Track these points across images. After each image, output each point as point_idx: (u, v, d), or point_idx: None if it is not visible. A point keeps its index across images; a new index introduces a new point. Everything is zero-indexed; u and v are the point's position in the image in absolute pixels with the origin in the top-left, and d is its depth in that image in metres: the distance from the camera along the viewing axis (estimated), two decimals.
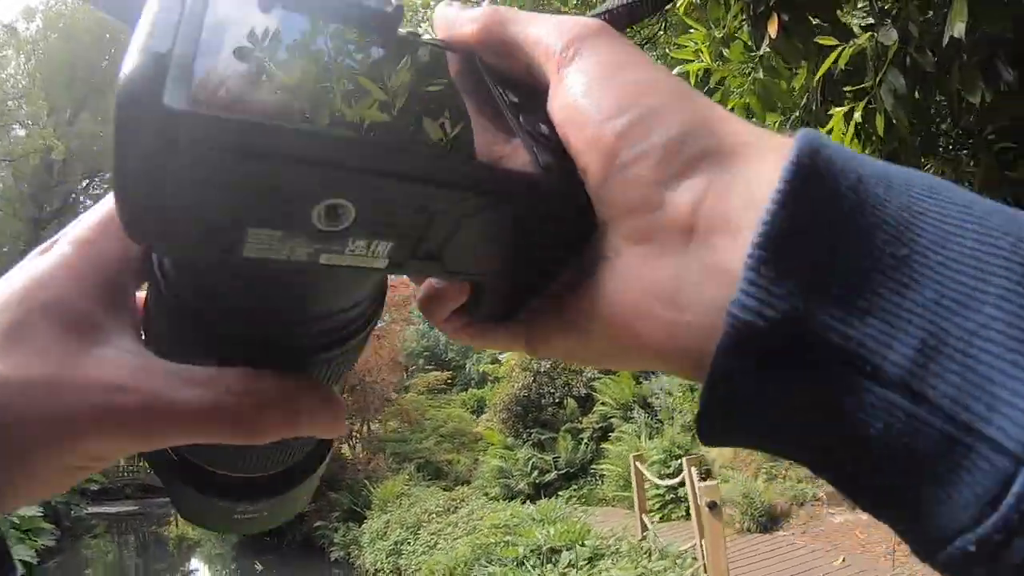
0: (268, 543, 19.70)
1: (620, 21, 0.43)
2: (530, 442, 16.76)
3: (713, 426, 0.26)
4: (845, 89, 2.71)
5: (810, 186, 0.23)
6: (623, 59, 0.29)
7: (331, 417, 0.32)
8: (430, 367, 33.99)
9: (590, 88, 0.28)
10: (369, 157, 0.23)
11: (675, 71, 2.22)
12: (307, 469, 0.43)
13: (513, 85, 0.31)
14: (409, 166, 0.24)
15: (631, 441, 13.48)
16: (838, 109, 2.68)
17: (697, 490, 6.79)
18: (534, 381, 17.57)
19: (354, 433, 23.66)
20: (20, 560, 15.12)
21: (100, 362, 0.28)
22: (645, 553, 8.55)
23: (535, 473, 15.75)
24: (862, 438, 0.22)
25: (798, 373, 0.22)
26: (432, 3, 7.33)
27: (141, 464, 37.78)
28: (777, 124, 3.27)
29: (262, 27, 0.25)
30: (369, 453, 21.78)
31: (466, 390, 26.26)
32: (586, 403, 17.03)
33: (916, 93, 2.67)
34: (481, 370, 24.99)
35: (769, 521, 9.37)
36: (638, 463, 9.98)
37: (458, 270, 0.29)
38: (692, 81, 3.17)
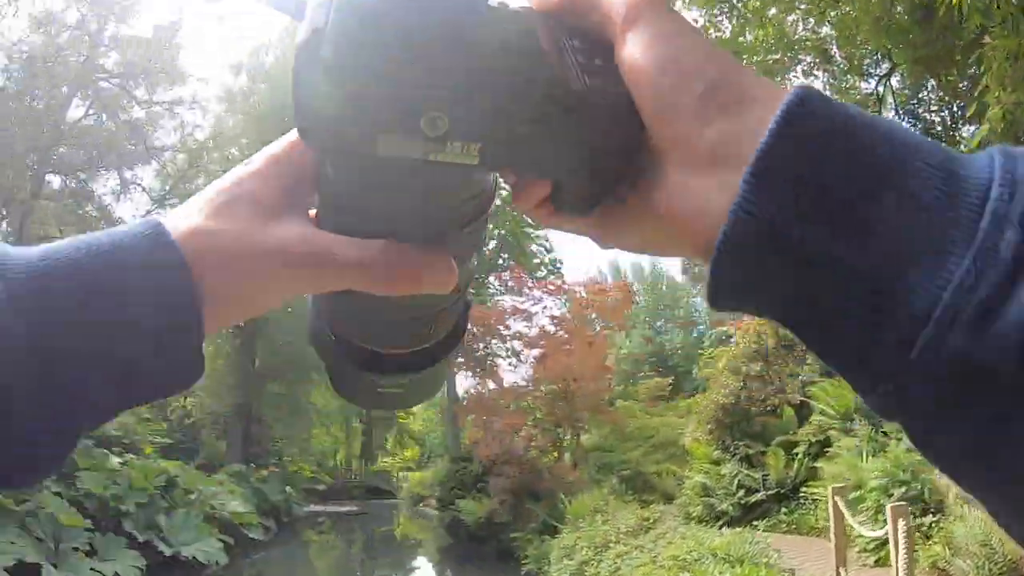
0: (470, 550, 19.48)
1: None
2: (737, 456, 14.80)
3: (715, 292, 0.37)
4: None
5: (792, 127, 0.33)
6: (671, 27, 0.39)
7: (445, 275, 0.44)
8: (653, 373, 32.55)
9: (647, 47, 0.39)
10: (451, 80, 0.36)
11: None
12: (438, 355, 0.54)
13: (581, 35, 0.41)
14: (483, 88, 0.37)
15: (849, 459, 11.15)
16: None
17: (903, 550, 4.81)
18: (743, 387, 15.52)
19: (561, 443, 22.84)
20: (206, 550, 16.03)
21: (285, 229, 0.43)
22: None
23: (741, 492, 13.78)
24: (815, 299, 0.34)
25: (774, 257, 0.34)
26: None
27: (368, 468, 40.01)
28: None
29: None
30: (571, 464, 20.80)
31: (692, 396, 24.05)
32: (802, 411, 14.72)
33: None
34: (703, 375, 22.84)
35: None
36: (838, 498, 7.79)
37: (534, 170, 0.41)
38: None
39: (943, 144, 0.35)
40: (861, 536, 8.42)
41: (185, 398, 29.35)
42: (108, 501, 15.26)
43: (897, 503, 6.57)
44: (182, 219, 0.42)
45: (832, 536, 7.83)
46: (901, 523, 5.59)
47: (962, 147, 9.70)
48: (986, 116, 7.60)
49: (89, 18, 22.13)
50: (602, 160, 0.41)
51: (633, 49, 0.39)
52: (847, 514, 7.45)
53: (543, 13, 0.43)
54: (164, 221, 0.42)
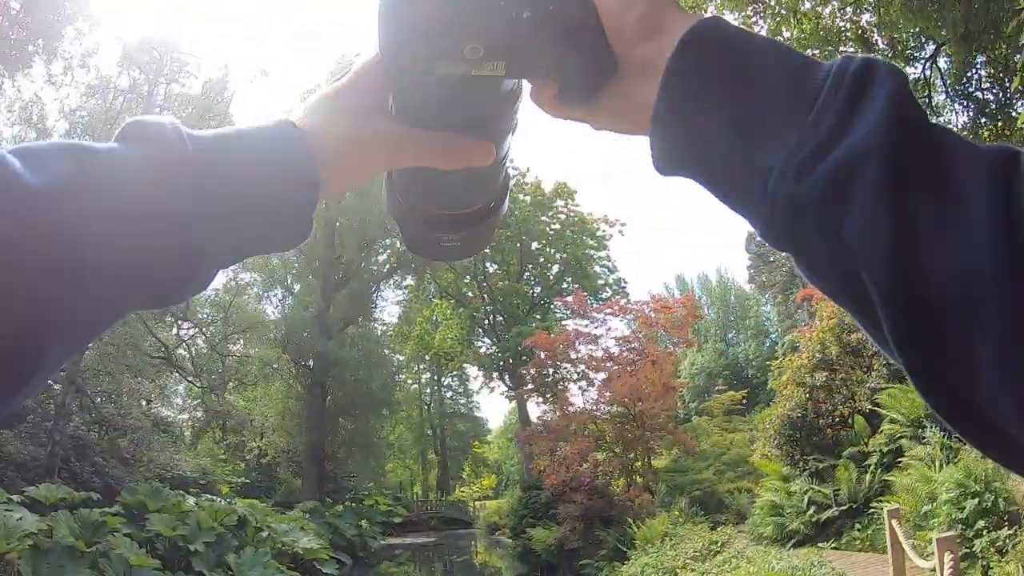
0: None
1: None
2: (807, 471, 13.99)
3: (655, 160, 0.53)
4: None
5: (686, 50, 0.49)
6: None
7: (487, 153, 0.62)
8: (727, 387, 31.54)
9: None
10: (482, 23, 0.53)
11: None
12: (486, 215, 0.69)
13: None
14: (503, 27, 0.54)
15: (921, 470, 10.36)
16: None
17: None
18: (809, 398, 14.70)
19: (631, 466, 22.19)
20: None
21: (378, 123, 0.61)
22: None
23: (812, 509, 13.00)
24: (708, 159, 0.49)
25: (679, 131, 0.50)
26: None
27: (445, 498, 39.92)
28: None
29: None
30: (641, 488, 20.17)
31: (768, 407, 23.15)
32: (873, 420, 13.81)
33: None
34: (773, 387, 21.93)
35: None
36: (894, 522, 7.15)
37: (545, 76, 0.59)
38: None
39: (805, 54, 0.48)
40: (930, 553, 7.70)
41: (261, 437, 29.97)
42: (177, 541, 15.52)
43: (946, 534, 5.92)
44: (301, 117, 0.59)
45: (889, 556, 7.18)
46: (948, 556, 5.03)
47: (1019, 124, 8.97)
48: None
49: (141, 81, 23.03)
50: (588, 69, 0.57)
51: None
52: (902, 539, 6.80)
53: None
54: (293, 117, 0.59)
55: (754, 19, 11.71)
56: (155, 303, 0.53)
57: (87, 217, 0.45)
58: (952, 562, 5.01)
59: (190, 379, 26.06)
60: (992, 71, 11.06)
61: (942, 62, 11.68)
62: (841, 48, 12.18)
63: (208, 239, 0.51)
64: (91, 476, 17.77)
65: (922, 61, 11.86)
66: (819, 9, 11.77)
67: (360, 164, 0.61)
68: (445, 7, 0.53)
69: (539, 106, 0.62)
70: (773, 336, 39.23)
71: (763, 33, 11.62)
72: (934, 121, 0.44)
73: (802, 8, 11.46)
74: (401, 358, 41.16)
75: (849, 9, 11.74)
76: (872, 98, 0.43)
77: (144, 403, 24.08)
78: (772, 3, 11.48)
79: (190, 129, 0.53)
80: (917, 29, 10.85)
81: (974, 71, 11.39)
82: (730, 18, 11.69)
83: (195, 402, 29.07)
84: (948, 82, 11.70)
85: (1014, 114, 9.66)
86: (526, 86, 0.62)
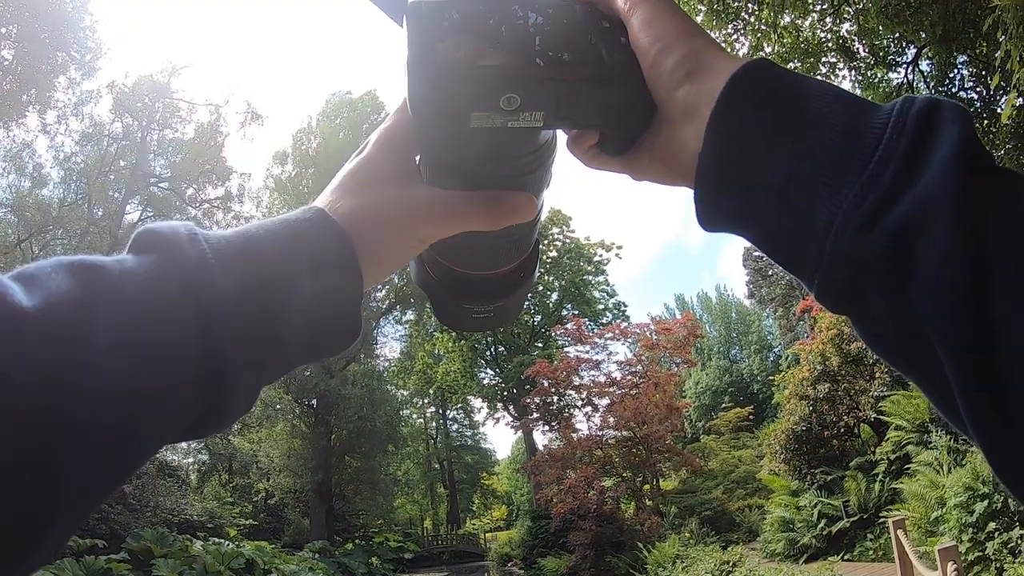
0: None
1: None
2: (815, 484, 13.84)
3: (700, 218, 0.49)
4: None
5: (734, 93, 0.46)
6: (657, 12, 0.54)
7: (529, 207, 0.58)
8: (733, 404, 31.40)
9: (640, 30, 0.53)
10: (519, 72, 0.51)
11: None
12: (517, 283, 0.67)
13: (606, 16, 0.57)
14: (541, 75, 0.51)
15: (929, 476, 10.25)
16: None
17: None
18: (813, 411, 14.60)
19: (639, 490, 21.98)
20: None
21: (414, 192, 0.56)
22: None
23: (822, 523, 12.84)
24: (759, 216, 0.45)
25: (727, 187, 0.46)
26: None
27: (456, 532, 39.52)
28: None
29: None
30: (650, 511, 19.96)
31: (775, 421, 23.02)
32: (879, 428, 13.67)
33: None
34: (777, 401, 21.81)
35: None
36: (900, 532, 7.05)
37: (584, 124, 0.57)
38: None
39: (862, 97, 0.45)
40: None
41: (267, 478, 29.72)
42: None
43: (947, 545, 5.83)
44: (331, 201, 0.54)
45: (897, 566, 7.05)
46: (951, 567, 4.93)
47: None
48: (1013, 82, 7.00)
49: (134, 127, 23.25)
50: (628, 116, 0.54)
51: (633, 32, 0.54)
52: (908, 550, 6.71)
53: (582, 1, 0.59)
54: (319, 204, 0.54)
55: (735, 36, 11.81)
56: (191, 434, 0.46)
57: (95, 342, 0.38)
58: (955, 572, 4.92)
59: None
60: (974, 70, 11.13)
61: (924, 65, 11.77)
62: (823, 59, 12.31)
63: (239, 355, 0.44)
64: (96, 523, 17.58)
65: (904, 66, 11.95)
66: (799, 22, 11.88)
67: (404, 243, 0.56)
68: (479, 56, 0.51)
69: (576, 156, 0.60)
70: (776, 349, 39.12)
71: (744, 50, 11.74)
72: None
73: (782, 22, 11.56)
74: (405, 393, 41.00)
75: (829, 20, 11.85)
76: (938, 144, 0.39)
77: None
78: (752, 19, 11.60)
79: (205, 231, 0.47)
80: (896, 34, 10.93)
81: (956, 71, 11.47)
82: (713, 36, 11.82)
83: (199, 445, 28.89)
84: (931, 84, 11.76)
85: (998, 110, 9.69)
86: (561, 136, 0.60)
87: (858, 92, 10.39)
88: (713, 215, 0.48)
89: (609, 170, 0.60)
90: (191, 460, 30.34)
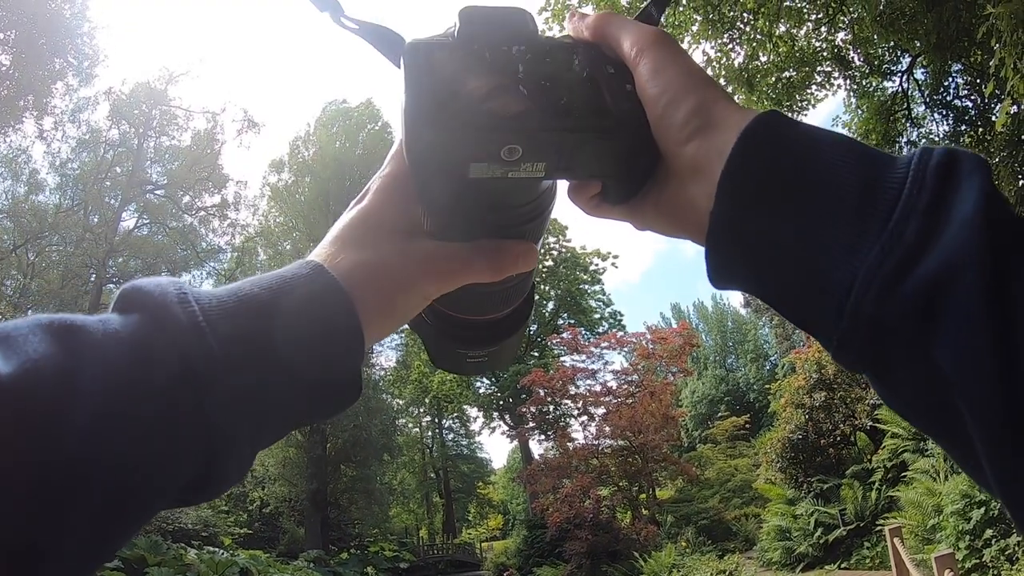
0: None
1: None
2: (812, 493, 13.81)
3: (711, 274, 0.48)
4: None
5: (745, 151, 0.44)
6: (665, 61, 0.52)
7: (531, 256, 0.58)
8: (729, 413, 31.37)
9: (647, 80, 0.51)
10: (520, 123, 0.48)
11: None
12: (512, 328, 0.66)
13: (611, 61, 0.55)
14: (544, 125, 0.49)
15: (926, 483, 10.25)
16: None
17: None
18: (809, 419, 14.59)
19: (636, 499, 21.94)
20: None
21: (417, 245, 0.54)
22: None
23: (819, 531, 12.81)
24: (773, 275, 0.44)
25: (740, 246, 0.44)
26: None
27: (452, 541, 39.35)
28: None
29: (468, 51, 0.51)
30: (647, 520, 19.91)
31: (771, 430, 23.02)
32: (875, 436, 13.67)
33: None
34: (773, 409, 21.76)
35: None
36: (896, 540, 7.05)
37: (586, 175, 0.55)
38: None
39: (877, 149, 0.43)
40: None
41: (263, 488, 29.60)
42: None
43: (944, 552, 5.84)
44: (331, 255, 0.52)
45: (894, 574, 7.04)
46: (947, 575, 4.91)
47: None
48: (1007, 90, 7.03)
49: (130, 134, 23.25)
50: (633, 166, 0.53)
51: (640, 81, 0.52)
52: (905, 558, 6.70)
53: (584, 43, 0.57)
54: (317, 259, 0.51)
55: (731, 46, 11.86)
56: (183, 501, 0.44)
57: (78, 412, 0.36)
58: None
59: None
60: (969, 78, 11.19)
61: (919, 73, 11.82)
62: (819, 68, 12.37)
63: (231, 423, 0.42)
64: None
65: (899, 74, 12.01)
66: (794, 31, 11.93)
67: (408, 301, 0.54)
68: (479, 104, 0.49)
69: (577, 205, 0.58)
70: (772, 358, 39.13)
71: (740, 60, 11.78)
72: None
73: (777, 32, 11.61)
74: (400, 402, 40.94)
75: (824, 29, 11.91)
76: (959, 198, 0.38)
77: None
78: (748, 29, 11.65)
79: (195, 289, 0.45)
80: (891, 43, 10.99)
81: (951, 80, 11.53)
82: (706, 46, 11.89)
83: None
84: (926, 93, 11.82)
85: (993, 118, 9.74)
86: (562, 182, 0.58)
87: (853, 101, 10.38)
88: (725, 275, 0.47)
89: (611, 218, 0.59)
90: None
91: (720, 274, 0.47)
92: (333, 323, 0.47)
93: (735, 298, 46.23)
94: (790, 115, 0.46)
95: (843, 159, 0.42)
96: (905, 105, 11.91)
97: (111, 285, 22.68)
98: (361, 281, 0.50)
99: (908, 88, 11.89)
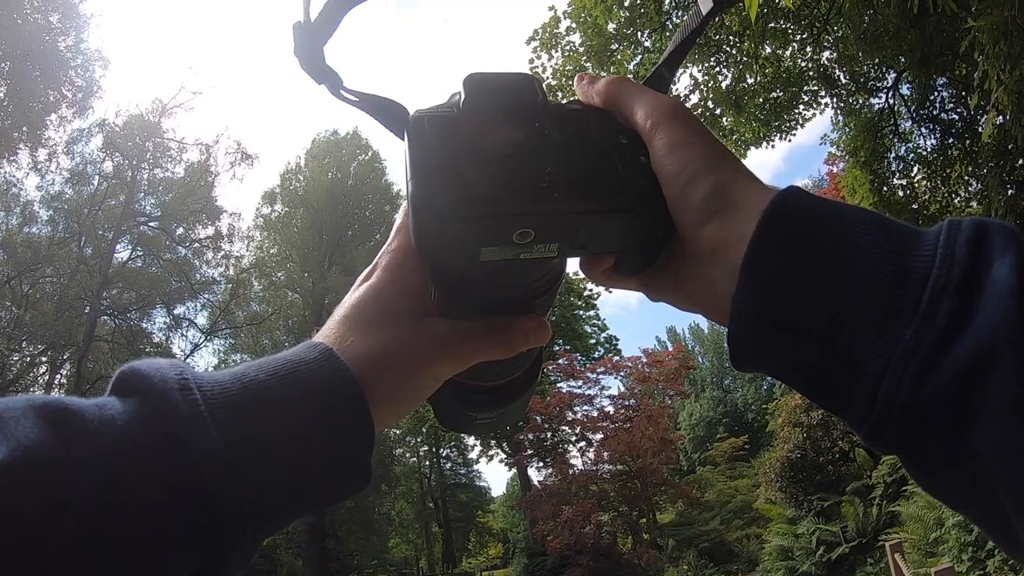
0: None
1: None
2: (813, 511, 13.73)
3: (734, 360, 0.47)
4: None
5: (768, 235, 0.43)
6: (681, 138, 0.50)
7: (543, 332, 0.58)
8: (728, 434, 31.27)
9: (664, 156, 0.50)
10: (532, 207, 0.47)
11: None
12: (519, 390, 0.65)
13: (624, 130, 0.54)
14: (558, 208, 0.48)
15: (926, 497, 10.07)
16: None
17: None
18: (807, 438, 14.55)
19: (636, 523, 21.76)
20: None
21: (428, 327, 0.53)
22: None
23: (821, 549, 12.72)
24: (800, 364, 0.42)
25: (765, 336, 0.43)
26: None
27: (451, 571, 38.88)
28: None
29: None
30: (648, 545, 19.75)
31: (770, 449, 22.93)
32: (873, 452, 13.57)
33: None
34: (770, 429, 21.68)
35: None
36: (897, 556, 7.03)
37: (599, 251, 0.54)
38: None
39: (902, 224, 0.42)
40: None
41: None
42: None
43: (944, 567, 5.81)
44: (340, 338, 0.51)
45: None
46: None
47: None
48: (992, 102, 7.11)
49: (124, 166, 23.32)
50: (647, 241, 0.52)
51: (656, 156, 0.51)
52: (906, 572, 6.67)
53: (595, 110, 0.56)
54: (325, 342, 0.50)
55: (717, 68, 11.99)
56: None
57: (73, 503, 0.35)
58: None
59: None
60: (954, 91, 11.33)
61: (904, 89, 11.97)
62: (805, 87, 12.51)
63: (235, 515, 0.40)
64: None
65: (885, 91, 12.15)
66: (780, 52, 12.09)
67: (419, 384, 0.53)
68: (490, 191, 0.47)
69: (588, 277, 0.58)
70: (770, 379, 39.05)
71: (727, 82, 11.91)
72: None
73: (763, 53, 11.76)
74: (397, 432, 40.61)
75: (809, 49, 12.07)
76: (993, 276, 0.36)
77: None
78: (734, 51, 11.80)
79: (199, 373, 0.43)
80: (876, 60, 11.13)
81: (936, 94, 11.66)
82: (693, 70, 12.02)
83: None
84: (912, 107, 11.96)
85: (979, 130, 9.85)
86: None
87: (840, 119, 10.45)
88: (749, 360, 0.46)
89: (624, 288, 0.59)
90: None
91: (744, 360, 0.46)
92: (343, 411, 0.46)
93: None
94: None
95: (869, 237, 0.41)
96: (892, 121, 12.06)
97: (105, 316, 22.61)
98: (371, 366, 0.49)
99: (894, 104, 12.04)
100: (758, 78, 11.94)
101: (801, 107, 12.60)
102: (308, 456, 0.44)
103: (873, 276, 0.39)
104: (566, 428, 25.96)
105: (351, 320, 0.52)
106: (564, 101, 0.58)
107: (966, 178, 11.29)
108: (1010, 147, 8.70)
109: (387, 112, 0.54)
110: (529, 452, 27.79)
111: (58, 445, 0.35)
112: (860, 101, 12.63)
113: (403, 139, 0.50)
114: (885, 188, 12.14)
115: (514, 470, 35.37)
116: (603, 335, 38.69)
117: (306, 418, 0.44)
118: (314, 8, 0.51)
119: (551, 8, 11.31)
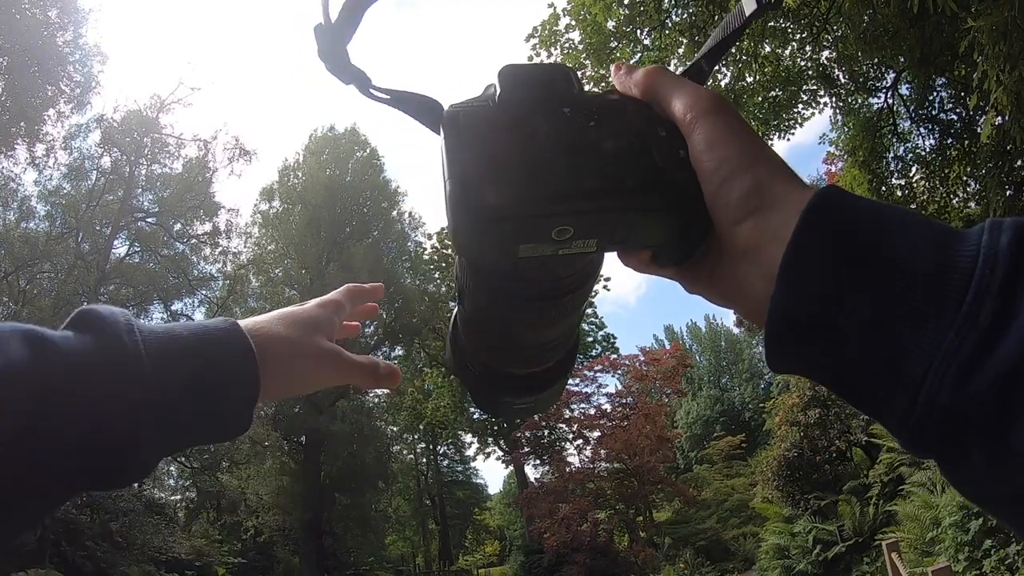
0: None
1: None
2: (809, 510, 13.74)
3: (771, 361, 0.46)
4: None
5: (805, 235, 0.42)
6: (721, 132, 0.50)
7: (393, 376, 0.75)
8: (725, 432, 31.30)
9: (703, 152, 0.49)
10: (571, 205, 0.47)
11: None
12: (555, 376, 0.67)
13: (662, 122, 0.52)
14: (597, 206, 0.47)
15: (923, 496, 10.22)
16: None
17: None
18: (804, 437, 14.56)
19: (633, 521, 21.77)
20: None
21: (324, 342, 0.68)
22: None
23: (818, 548, 12.74)
24: (840, 364, 0.42)
25: (804, 335, 0.42)
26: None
27: (448, 568, 38.91)
28: None
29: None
30: (644, 543, 19.75)
31: (767, 448, 22.94)
32: (871, 451, 13.65)
33: None
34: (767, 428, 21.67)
35: None
36: (894, 555, 7.04)
37: (638, 247, 0.53)
38: None
39: (942, 224, 0.41)
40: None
41: (256, 516, 29.26)
42: None
43: (941, 566, 5.82)
44: (255, 323, 0.65)
45: None
46: None
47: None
48: (991, 102, 7.11)
49: (122, 161, 23.26)
50: (686, 235, 0.51)
51: (695, 150, 0.50)
52: (903, 571, 6.68)
53: (633, 100, 0.55)
54: (240, 322, 0.63)
55: (717, 68, 11.98)
56: (97, 487, 0.54)
57: (44, 401, 0.48)
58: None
59: (181, 459, 25.61)
60: (953, 91, 11.32)
61: (903, 89, 11.95)
62: (804, 87, 12.51)
63: (152, 429, 0.53)
64: (83, 561, 17.27)
65: (884, 90, 12.14)
66: (779, 51, 12.08)
67: (304, 372, 0.67)
68: (530, 190, 0.47)
69: (627, 266, 0.58)
70: (767, 377, 39.08)
71: (726, 81, 11.91)
72: None
73: (762, 52, 11.75)
74: (395, 429, 40.62)
75: (808, 48, 12.06)
76: None
77: (136, 485, 23.59)
78: (733, 50, 11.80)
79: (139, 322, 0.56)
80: (875, 60, 11.13)
81: (935, 94, 11.65)
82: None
83: (187, 483, 28.47)
84: (911, 107, 11.95)
85: (978, 131, 9.84)
86: None
87: (839, 118, 10.44)
88: (786, 363, 0.45)
89: (661, 276, 0.59)
90: (179, 497, 29.83)
91: (781, 362, 0.46)
92: (238, 362, 0.59)
93: (728, 317, 46.36)
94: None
95: (910, 238, 0.40)
96: (891, 120, 12.05)
97: None
98: (268, 344, 0.63)
99: (893, 103, 12.03)
100: (757, 77, 11.93)
101: (800, 106, 12.60)
102: (205, 400, 0.57)
103: (914, 276, 0.39)
104: (563, 426, 26.01)
105: (271, 318, 0.68)
106: (598, 91, 0.57)
107: (964, 178, 11.29)
108: (1009, 148, 8.71)
109: (420, 107, 0.54)
110: (526, 449, 27.84)
111: (40, 360, 0.49)
112: (859, 101, 12.63)
113: (437, 133, 0.50)
114: (883, 188, 12.14)
115: (511, 467, 35.41)
116: (601, 333, 38.74)
117: (208, 369, 0.57)
118: (333, 8, 0.51)
119: (550, 5, 11.32)
